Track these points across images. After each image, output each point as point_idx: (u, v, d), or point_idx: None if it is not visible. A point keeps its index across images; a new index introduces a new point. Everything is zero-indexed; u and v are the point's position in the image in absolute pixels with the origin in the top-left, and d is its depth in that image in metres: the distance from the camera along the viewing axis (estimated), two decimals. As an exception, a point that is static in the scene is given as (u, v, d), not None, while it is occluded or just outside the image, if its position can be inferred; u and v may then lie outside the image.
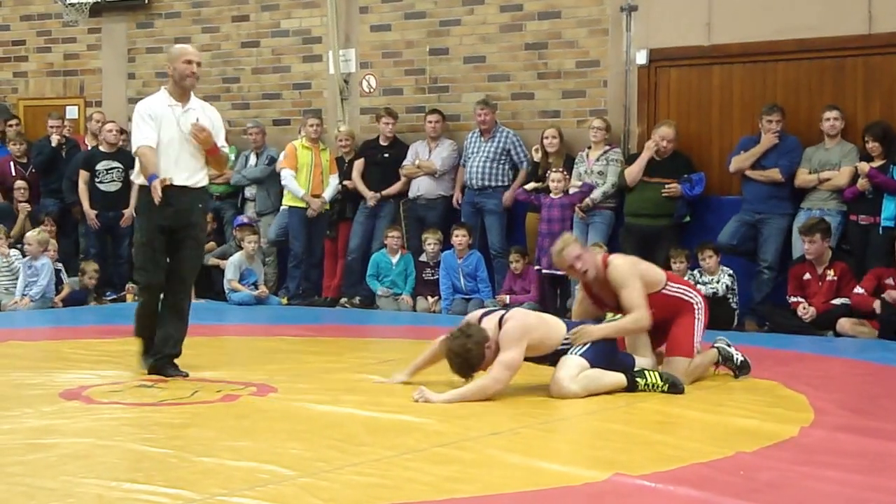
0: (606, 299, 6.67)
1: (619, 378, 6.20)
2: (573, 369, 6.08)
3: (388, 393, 6.24)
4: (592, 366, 6.14)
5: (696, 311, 6.74)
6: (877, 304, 9.23)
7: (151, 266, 6.99)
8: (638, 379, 6.23)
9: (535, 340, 6.10)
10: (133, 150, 6.97)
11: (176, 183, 6.79)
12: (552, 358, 6.19)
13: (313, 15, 12.68)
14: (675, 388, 6.23)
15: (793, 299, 9.58)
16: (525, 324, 6.11)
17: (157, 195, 6.64)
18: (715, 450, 4.80)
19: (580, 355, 6.15)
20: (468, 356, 5.98)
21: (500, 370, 5.96)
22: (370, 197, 11.64)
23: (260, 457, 4.53)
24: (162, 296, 7.05)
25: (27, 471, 4.30)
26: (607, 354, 6.23)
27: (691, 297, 6.78)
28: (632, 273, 6.58)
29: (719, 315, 9.76)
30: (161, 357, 6.91)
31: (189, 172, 6.90)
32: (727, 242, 10.09)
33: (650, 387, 6.21)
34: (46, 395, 6.04)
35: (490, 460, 4.59)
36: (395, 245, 11.38)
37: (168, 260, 6.99)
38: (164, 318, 7.00)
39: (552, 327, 6.27)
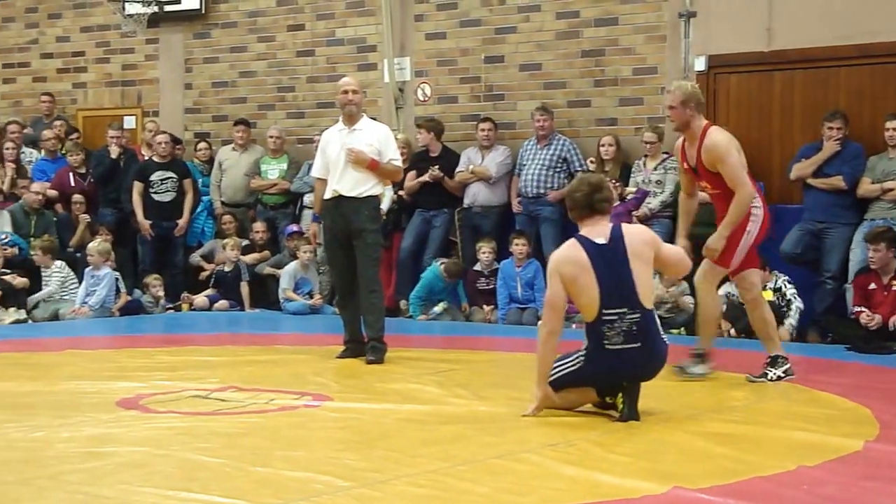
0: (698, 168, 6.97)
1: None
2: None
3: (443, 402, 6.21)
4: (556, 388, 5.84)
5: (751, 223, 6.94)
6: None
7: (332, 269, 8.75)
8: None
9: (567, 279, 5.71)
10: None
11: (343, 193, 7.95)
12: (591, 330, 5.76)
13: (368, 23, 12.71)
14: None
15: (856, 309, 9.41)
16: (552, 257, 5.86)
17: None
18: (776, 463, 4.72)
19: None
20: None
21: (543, 312, 5.86)
22: (430, 174, 11.56)
23: (315, 467, 4.52)
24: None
25: (85, 479, 4.34)
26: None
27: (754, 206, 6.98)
28: (729, 147, 6.75)
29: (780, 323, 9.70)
30: (365, 343, 8.04)
31: (353, 184, 8.00)
32: (791, 251, 9.94)
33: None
34: (104, 404, 6.09)
35: (546, 472, 4.55)
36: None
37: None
38: (362, 310, 8.10)
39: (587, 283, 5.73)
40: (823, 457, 4.86)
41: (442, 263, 11.23)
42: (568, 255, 5.75)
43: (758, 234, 7.08)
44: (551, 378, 5.80)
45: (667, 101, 7.19)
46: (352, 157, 7.98)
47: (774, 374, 7.08)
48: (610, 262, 5.70)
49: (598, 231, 5.79)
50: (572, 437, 5.24)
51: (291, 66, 13.19)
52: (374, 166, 8.04)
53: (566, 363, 5.81)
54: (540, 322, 5.86)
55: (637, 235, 5.89)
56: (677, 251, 6.25)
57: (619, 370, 5.69)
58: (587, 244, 5.74)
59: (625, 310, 5.66)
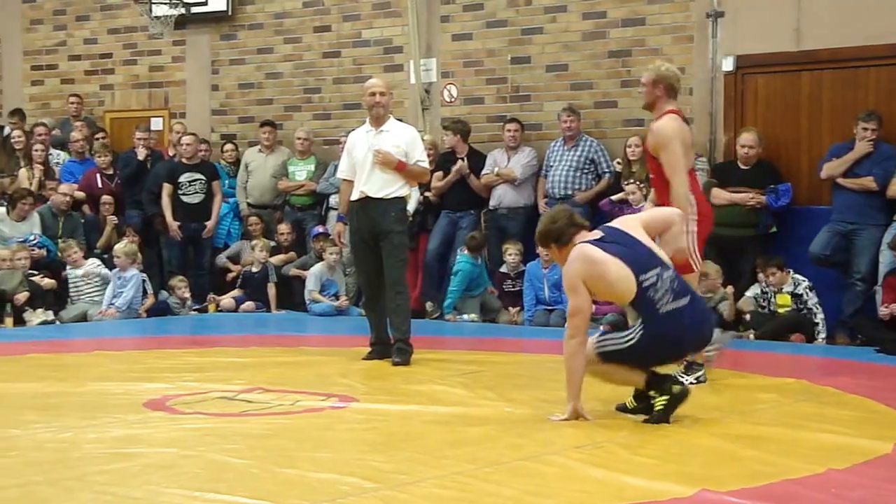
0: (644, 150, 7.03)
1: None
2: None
3: (469, 404, 6.21)
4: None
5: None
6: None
7: (359, 270, 8.70)
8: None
9: (594, 279, 5.63)
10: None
11: (370, 195, 7.95)
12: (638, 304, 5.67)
13: (395, 24, 12.71)
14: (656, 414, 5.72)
15: (884, 309, 9.34)
16: (567, 272, 5.71)
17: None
18: (805, 466, 4.68)
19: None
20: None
21: (570, 323, 5.72)
22: (458, 167, 11.53)
23: (341, 468, 4.52)
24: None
25: (112, 479, 4.36)
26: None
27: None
28: (674, 136, 6.76)
29: (798, 324, 9.66)
30: (391, 344, 8.05)
31: (379, 186, 7.99)
32: (820, 253, 9.86)
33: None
34: (131, 405, 6.11)
35: (573, 474, 4.53)
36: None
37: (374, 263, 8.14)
38: (388, 312, 8.10)
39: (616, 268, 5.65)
40: (852, 460, 4.82)
41: (463, 247, 11.24)
42: (583, 259, 5.68)
43: (699, 231, 6.94)
44: (603, 349, 5.69)
45: (642, 79, 7.20)
46: (379, 159, 7.98)
47: (687, 380, 6.95)
48: (620, 242, 5.70)
49: (591, 235, 5.84)
50: (599, 439, 5.22)
51: (318, 67, 13.21)
52: (401, 168, 8.04)
53: (619, 338, 5.72)
54: (566, 334, 5.73)
55: (622, 220, 6.11)
56: (653, 211, 6.34)
57: (681, 332, 5.64)
58: (592, 243, 5.74)
59: (658, 269, 5.64)
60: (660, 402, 5.64)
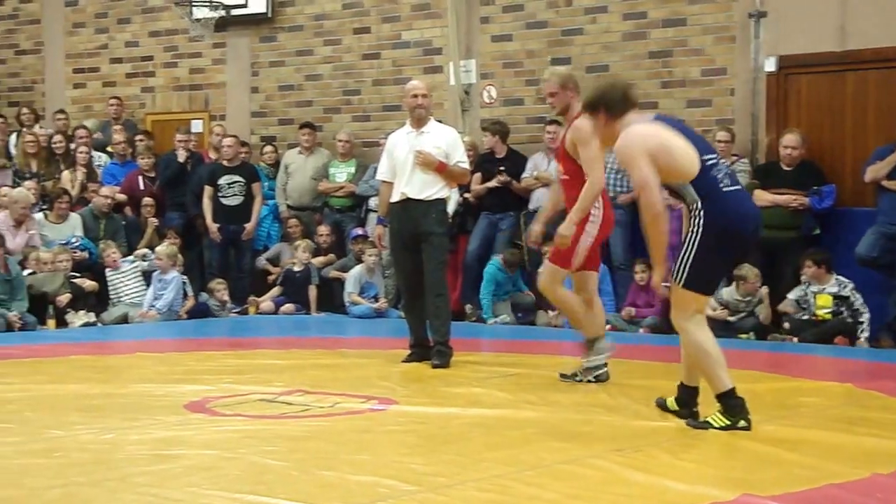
0: (559, 149, 6.98)
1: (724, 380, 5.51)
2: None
3: (509, 407, 6.19)
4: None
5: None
6: None
7: (399, 272, 8.65)
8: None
9: (655, 151, 5.33)
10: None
11: (411, 196, 7.95)
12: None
13: (434, 26, 12.70)
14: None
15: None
16: (626, 145, 5.37)
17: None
18: (849, 471, 4.63)
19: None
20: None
21: (642, 196, 5.36)
22: (499, 179, 11.55)
23: (380, 471, 4.52)
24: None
25: (154, 481, 4.39)
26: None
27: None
28: (594, 133, 6.48)
29: (838, 330, 9.56)
30: (431, 346, 8.00)
31: (420, 187, 7.98)
32: (867, 255, 9.74)
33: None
34: (172, 407, 6.14)
35: (613, 478, 4.50)
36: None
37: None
38: (428, 314, 8.05)
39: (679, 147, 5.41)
40: (898, 464, 4.76)
41: (500, 255, 11.23)
42: (643, 132, 5.38)
43: (597, 235, 7.00)
44: (685, 280, 5.38)
45: (546, 89, 7.11)
46: (420, 160, 7.98)
47: (585, 378, 7.03)
48: (676, 127, 5.49)
49: (643, 117, 5.56)
50: (640, 442, 5.18)
51: (357, 69, 13.23)
52: (441, 169, 8.03)
53: (685, 253, 5.39)
54: (641, 206, 5.36)
55: None
56: None
57: (745, 213, 5.42)
58: (650, 119, 5.50)
59: (716, 154, 5.49)
60: (719, 421, 5.45)
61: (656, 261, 5.45)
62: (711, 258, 5.39)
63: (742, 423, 5.44)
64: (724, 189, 5.39)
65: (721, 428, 5.42)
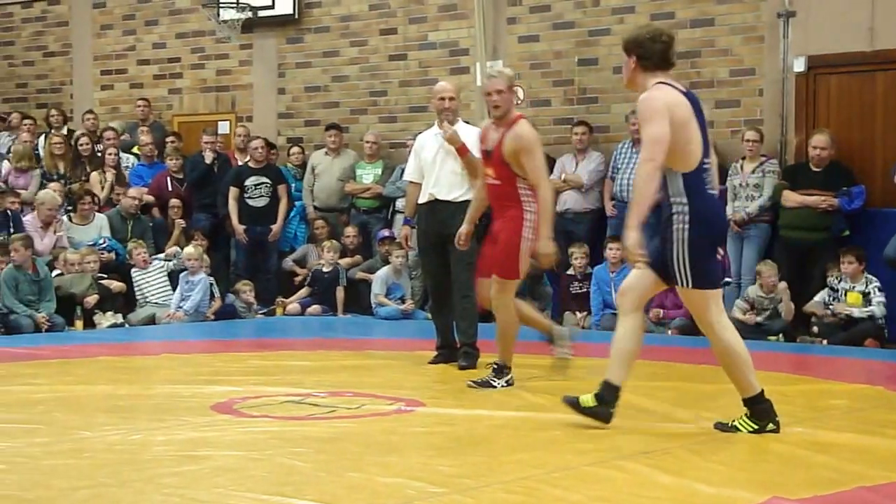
0: (493, 153, 6.85)
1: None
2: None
3: (536, 409, 6.17)
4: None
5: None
6: None
7: (426, 273, 8.92)
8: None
9: (677, 121, 5.18)
10: None
11: (439, 197, 7.94)
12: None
13: (461, 27, 12.70)
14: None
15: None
16: (653, 98, 5.23)
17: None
18: (880, 473, 4.59)
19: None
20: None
21: (648, 148, 5.20)
22: None
23: (408, 472, 4.51)
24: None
25: (181, 482, 4.39)
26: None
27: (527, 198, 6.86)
28: (538, 142, 6.74)
29: (868, 332, 9.49)
30: (457, 348, 8.02)
31: (448, 188, 7.95)
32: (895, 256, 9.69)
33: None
34: (199, 408, 6.14)
35: (641, 480, 4.47)
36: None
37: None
38: (455, 316, 8.07)
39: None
40: (930, 467, 4.72)
41: None
42: (676, 99, 5.27)
43: (533, 237, 6.92)
44: (692, 281, 5.27)
45: (493, 86, 6.93)
46: (447, 135, 7.81)
47: (499, 383, 6.99)
48: (699, 112, 5.37)
49: (677, 84, 5.42)
50: (668, 444, 5.16)
51: (384, 70, 13.24)
52: (464, 151, 7.82)
53: (678, 255, 5.29)
54: (642, 157, 5.22)
55: None
56: None
57: (722, 216, 5.69)
58: (681, 92, 5.35)
59: (710, 160, 5.42)
60: (747, 426, 5.40)
61: (631, 224, 5.29)
62: (705, 252, 5.35)
63: (770, 426, 5.40)
64: (710, 191, 5.45)
65: (748, 430, 5.39)
